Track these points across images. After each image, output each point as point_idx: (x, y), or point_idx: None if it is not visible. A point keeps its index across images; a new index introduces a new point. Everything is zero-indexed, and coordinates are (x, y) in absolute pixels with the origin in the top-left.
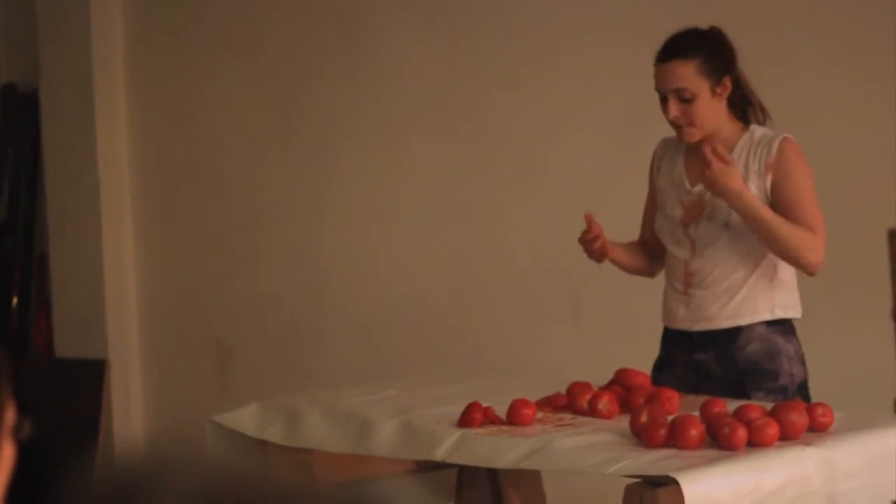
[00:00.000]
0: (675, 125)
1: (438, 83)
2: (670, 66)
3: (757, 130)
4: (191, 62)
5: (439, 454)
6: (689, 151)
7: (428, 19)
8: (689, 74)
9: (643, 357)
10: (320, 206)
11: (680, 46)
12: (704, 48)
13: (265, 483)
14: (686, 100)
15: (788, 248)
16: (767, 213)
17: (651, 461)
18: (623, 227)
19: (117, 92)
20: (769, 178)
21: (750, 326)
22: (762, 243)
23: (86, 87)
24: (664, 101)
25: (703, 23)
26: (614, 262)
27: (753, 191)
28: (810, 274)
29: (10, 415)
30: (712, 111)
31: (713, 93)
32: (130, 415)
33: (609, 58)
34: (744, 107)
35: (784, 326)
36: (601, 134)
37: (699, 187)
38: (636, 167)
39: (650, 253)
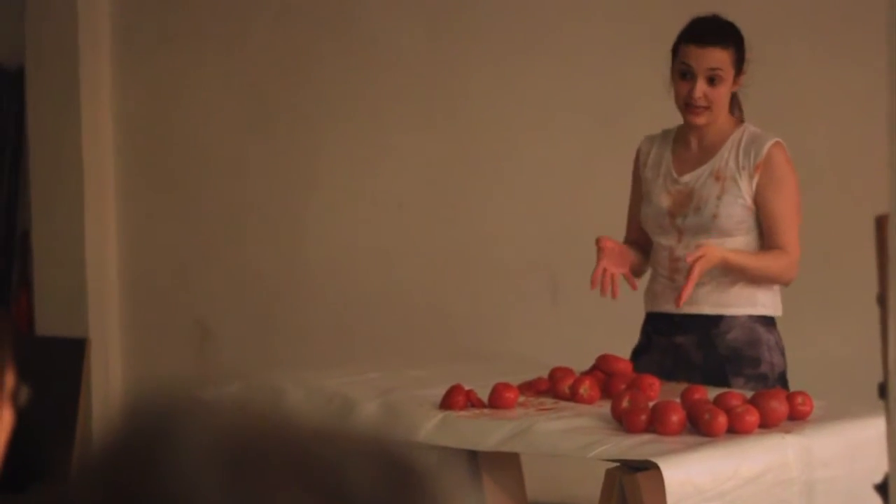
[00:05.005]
0: (691, 105)
1: (421, 70)
2: (711, 50)
3: (749, 128)
4: (177, 43)
5: (421, 435)
6: (676, 143)
7: (411, 8)
8: (725, 60)
9: (622, 343)
10: (303, 188)
11: (722, 33)
12: (737, 40)
13: (290, 431)
14: (713, 83)
15: (769, 280)
16: (749, 261)
17: (631, 446)
18: (604, 212)
19: (103, 71)
20: (756, 178)
21: (732, 316)
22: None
23: (71, 65)
24: (685, 79)
25: (691, 12)
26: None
27: (743, 185)
28: (785, 286)
29: (11, 380)
30: (727, 101)
31: (733, 83)
32: (110, 393)
33: (591, 46)
34: (734, 103)
35: (765, 318)
36: (583, 121)
37: (687, 177)
38: (617, 154)
39: (641, 251)
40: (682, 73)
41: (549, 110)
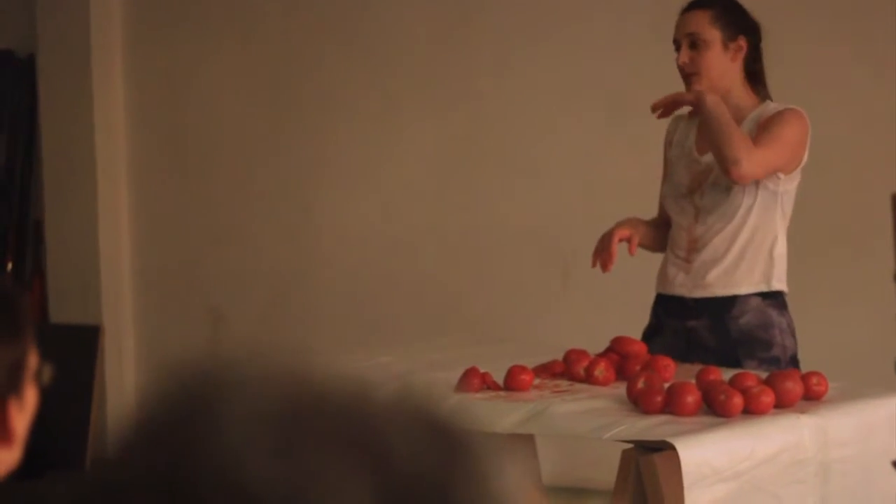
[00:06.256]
0: (683, 73)
1: (433, 57)
2: (688, 14)
3: (770, 105)
4: (188, 29)
5: None
6: (702, 124)
7: None
8: (702, 22)
9: (635, 326)
10: (314, 175)
11: None
12: (722, 2)
13: (338, 399)
14: (697, 48)
15: (723, 140)
16: (726, 115)
17: (648, 427)
18: (617, 196)
19: (114, 58)
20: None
21: (745, 297)
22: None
23: (83, 53)
24: (678, 52)
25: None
26: (645, 245)
27: None
28: (728, 175)
29: (34, 360)
30: (721, 66)
31: (725, 46)
32: (124, 381)
33: (604, 32)
34: (760, 82)
35: (777, 301)
36: (595, 107)
37: (707, 157)
38: (630, 138)
39: (668, 228)
40: (676, 47)
41: (560, 96)
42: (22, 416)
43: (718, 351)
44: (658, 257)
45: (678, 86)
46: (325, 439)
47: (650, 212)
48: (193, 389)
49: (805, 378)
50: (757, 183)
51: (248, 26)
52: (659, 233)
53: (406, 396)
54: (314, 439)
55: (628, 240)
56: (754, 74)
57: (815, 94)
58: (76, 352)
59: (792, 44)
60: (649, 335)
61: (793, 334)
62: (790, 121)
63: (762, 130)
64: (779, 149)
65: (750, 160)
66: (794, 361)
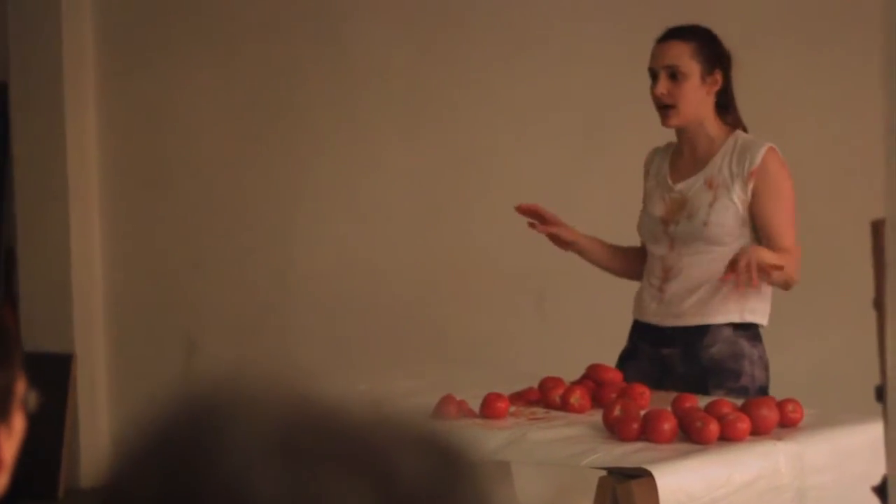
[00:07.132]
0: (660, 104)
1: (408, 83)
2: (667, 44)
3: (741, 136)
4: (162, 56)
5: None
6: (674, 153)
7: (398, 22)
8: (682, 54)
9: (609, 354)
10: (291, 200)
11: (679, 30)
12: (701, 36)
13: (341, 418)
14: (676, 80)
15: (785, 281)
16: (780, 260)
17: (624, 454)
18: (591, 224)
19: (87, 86)
20: (751, 185)
21: (718, 327)
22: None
23: (56, 80)
24: (654, 82)
25: (674, 16)
26: (591, 258)
27: (736, 193)
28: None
29: (21, 386)
30: (698, 99)
31: (702, 80)
32: (96, 409)
33: (578, 57)
34: (729, 112)
35: (750, 332)
36: (570, 133)
37: (681, 185)
38: (604, 166)
39: (639, 255)
40: (651, 76)
41: (535, 122)
42: (10, 444)
43: (688, 379)
44: (633, 285)
45: (655, 111)
46: (327, 457)
47: (626, 237)
48: (198, 409)
49: (781, 405)
50: (736, 215)
51: (224, 51)
52: (626, 257)
53: (405, 415)
54: (317, 457)
55: (568, 240)
56: (724, 104)
57: (793, 120)
58: (49, 380)
59: (769, 70)
60: (624, 358)
61: (765, 367)
62: (779, 180)
63: (765, 202)
64: (790, 217)
65: (799, 268)
66: (762, 392)
